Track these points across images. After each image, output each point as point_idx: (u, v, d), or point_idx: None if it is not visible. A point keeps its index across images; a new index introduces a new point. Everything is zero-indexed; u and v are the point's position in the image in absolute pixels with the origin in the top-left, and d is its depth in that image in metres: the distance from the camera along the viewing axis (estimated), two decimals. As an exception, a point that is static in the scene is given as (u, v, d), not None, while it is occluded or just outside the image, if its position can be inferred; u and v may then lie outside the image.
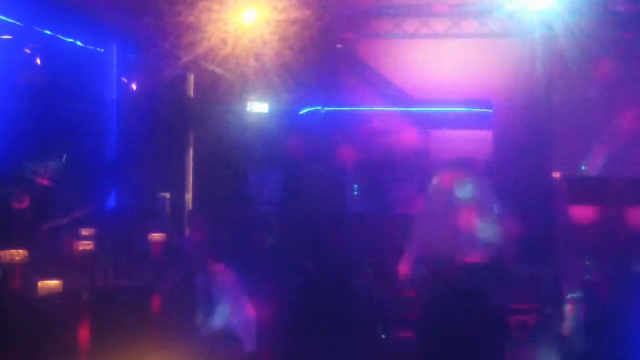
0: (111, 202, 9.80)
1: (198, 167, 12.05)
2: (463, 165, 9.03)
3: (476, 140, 13.89)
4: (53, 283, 6.61)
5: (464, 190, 8.70)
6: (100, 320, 6.63)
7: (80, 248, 6.73)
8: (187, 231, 10.73)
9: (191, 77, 11.95)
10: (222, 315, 7.94)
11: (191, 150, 11.91)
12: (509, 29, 12.68)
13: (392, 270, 9.62)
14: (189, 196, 12.01)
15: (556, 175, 11.82)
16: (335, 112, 14.26)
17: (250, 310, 8.04)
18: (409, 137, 14.26)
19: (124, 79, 10.31)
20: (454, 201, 8.66)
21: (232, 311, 7.98)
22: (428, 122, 14.48)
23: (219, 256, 8.51)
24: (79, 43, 9.48)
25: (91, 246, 6.79)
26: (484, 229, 8.59)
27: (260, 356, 7.94)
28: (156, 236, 7.72)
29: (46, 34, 8.98)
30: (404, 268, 8.93)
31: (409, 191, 12.77)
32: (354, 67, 14.12)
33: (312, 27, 11.10)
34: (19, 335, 5.56)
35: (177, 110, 11.18)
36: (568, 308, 8.99)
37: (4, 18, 8.25)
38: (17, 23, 8.44)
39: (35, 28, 8.83)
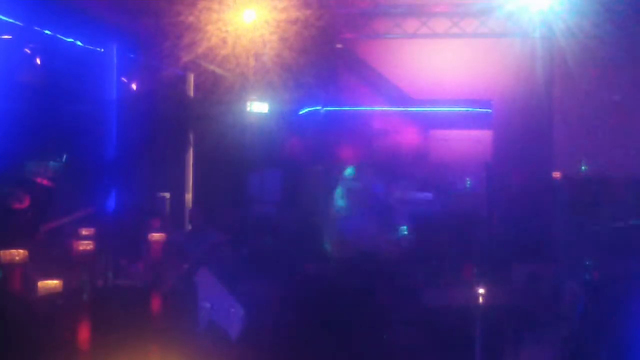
0: (111, 202, 9.80)
1: (198, 167, 12.04)
2: None
3: (476, 140, 13.91)
4: (53, 283, 6.60)
5: None
6: (100, 320, 6.63)
7: (80, 248, 6.71)
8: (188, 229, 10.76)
9: (191, 77, 11.94)
10: (213, 311, 7.97)
11: (191, 150, 11.91)
12: (509, 29, 12.69)
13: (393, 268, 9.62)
14: (189, 196, 12.01)
15: (556, 175, 11.83)
16: (335, 112, 14.26)
17: (238, 306, 8.05)
18: (409, 137, 14.27)
19: (124, 79, 10.30)
20: None
21: (222, 306, 8.01)
22: (428, 122, 14.49)
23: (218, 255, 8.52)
24: (79, 43, 9.48)
25: (91, 246, 6.77)
26: None
27: (256, 353, 7.96)
28: (156, 236, 7.71)
29: (46, 34, 8.97)
30: None
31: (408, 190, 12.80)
32: (354, 67, 14.12)
33: (312, 27, 11.10)
34: (19, 335, 5.56)
35: (177, 110, 11.18)
36: (568, 308, 8.99)
37: (4, 18, 8.25)
38: (17, 23, 8.44)
39: (35, 28, 8.82)
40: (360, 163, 13.54)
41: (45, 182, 8.22)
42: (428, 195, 13.19)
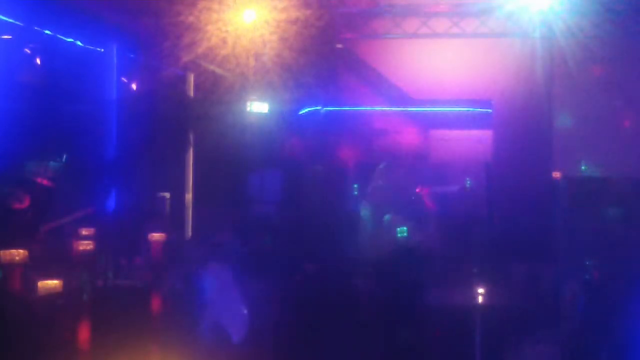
0: (111, 202, 9.80)
1: (198, 167, 12.03)
2: None
3: (476, 140, 13.91)
4: (53, 283, 6.61)
5: None
6: (100, 320, 6.63)
7: (80, 248, 6.71)
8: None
9: (191, 77, 11.93)
10: (218, 311, 7.97)
11: (191, 150, 11.90)
12: (509, 29, 12.68)
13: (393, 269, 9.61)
14: (189, 196, 12.00)
15: (556, 175, 11.84)
16: (335, 112, 14.25)
17: (243, 308, 8.06)
18: (409, 137, 14.26)
19: (124, 79, 10.30)
20: None
21: (227, 307, 8.01)
22: (428, 122, 14.49)
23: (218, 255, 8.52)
24: (79, 43, 9.47)
25: (91, 246, 6.77)
26: None
27: (256, 353, 7.96)
28: (156, 236, 7.71)
29: (46, 34, 8.97)
30: None
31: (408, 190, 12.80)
32: (354, 67, 14.12)
33: (312, 27, 11.10)
34: (19, 335, 5.56)
35: (177, 110, 11.17)
36: (568, 307, 9.00)
37: (4, 18, 8.25)
38: (17, 23, 8.44)
39: (35, 28, 8.82)
40: (360, 163, 13.56)
41: (45, 182, 8.21)
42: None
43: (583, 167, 12.66)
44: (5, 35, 8.37)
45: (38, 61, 8.73)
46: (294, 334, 8.23)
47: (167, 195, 10.99)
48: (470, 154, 13.70)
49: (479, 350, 8.23)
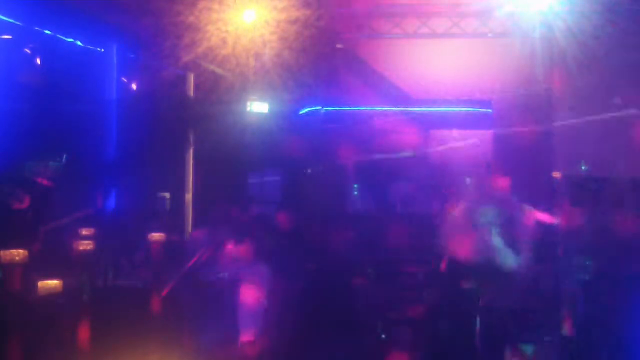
0: (111, 202, 9.80)
1: (198, 167, 12.04)
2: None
3: (476, 140, 13.90)
4: (53, 283, 6.61)
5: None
6: (100, 320, 6.64)
7: (80, 248, 6.72)
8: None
9: (191, 77, 11.94)
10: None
11: (191, 150, 11.91)
12: (509, 29, 12.68)
13: (392, 269, 9.63)
14: (189, 196, 12.01)
15: (556, 175, 11.83)
16: (335, 112, 14.26)
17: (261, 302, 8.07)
18: (409, 137, 14.26)
19: (124, 79, 10.30)
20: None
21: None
22: (428, 122, 14.49)
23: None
24: (79, 43, 9.48)
25: (91, 246, 6.78)
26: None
27: (259, 351, 7.97)
28: (156, 236, 7.72)
29: (46, 34, 8.97)
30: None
31: (408, 191, 12.79)
32: (354, 67, 14.12)
33: (312, 27, 11.10)
34: (19, 335, 5.56)
35: (177, 110, 11.18)
36: (568, 308, 9.00)
37: (4, 18, 8.25)
38: (17, 23, 8.44)
39: (35, 28, 8.83)
40: (360, 163, 13.56)
41: (45, 182, 8.22)
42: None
43: (583, 167, 12.66)
44: (5, 35, 8.38)
45: (38, 61, 8.73)
46: (295, 333, 8.24)
47: (167, 195, 11.00)
48: (470, 154, 13.70)
49: (478, 349, 8.23)
